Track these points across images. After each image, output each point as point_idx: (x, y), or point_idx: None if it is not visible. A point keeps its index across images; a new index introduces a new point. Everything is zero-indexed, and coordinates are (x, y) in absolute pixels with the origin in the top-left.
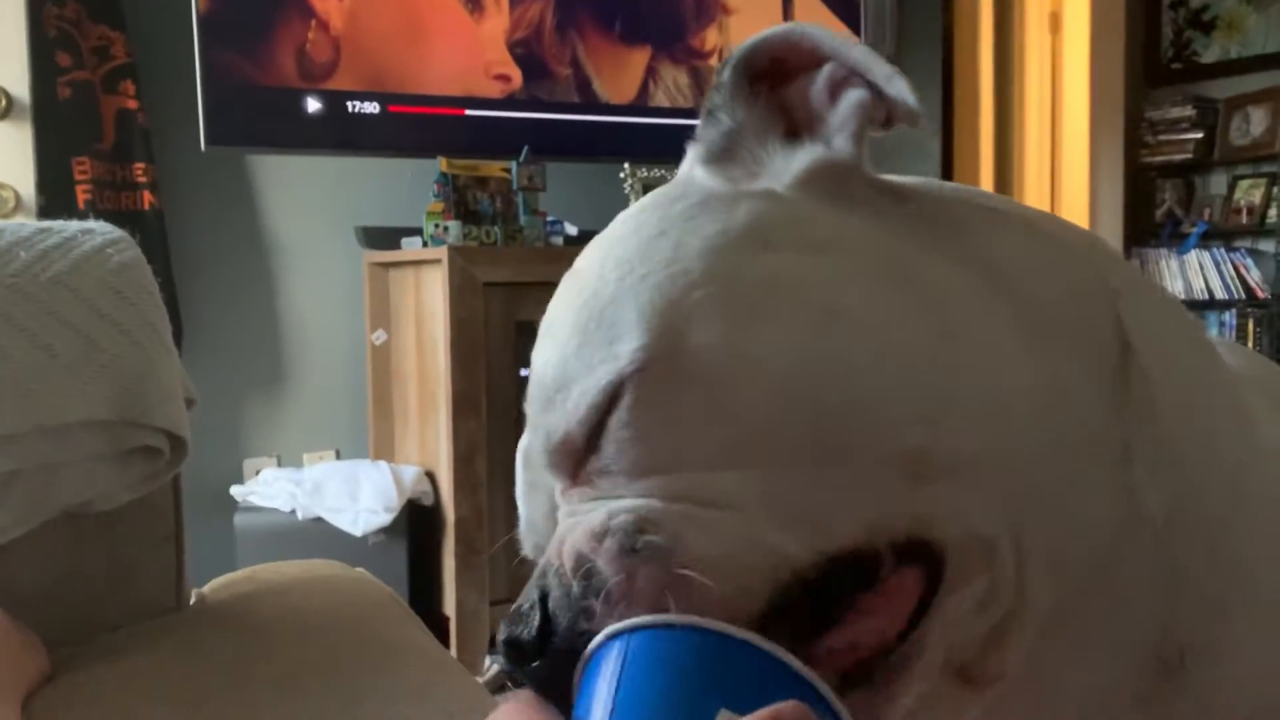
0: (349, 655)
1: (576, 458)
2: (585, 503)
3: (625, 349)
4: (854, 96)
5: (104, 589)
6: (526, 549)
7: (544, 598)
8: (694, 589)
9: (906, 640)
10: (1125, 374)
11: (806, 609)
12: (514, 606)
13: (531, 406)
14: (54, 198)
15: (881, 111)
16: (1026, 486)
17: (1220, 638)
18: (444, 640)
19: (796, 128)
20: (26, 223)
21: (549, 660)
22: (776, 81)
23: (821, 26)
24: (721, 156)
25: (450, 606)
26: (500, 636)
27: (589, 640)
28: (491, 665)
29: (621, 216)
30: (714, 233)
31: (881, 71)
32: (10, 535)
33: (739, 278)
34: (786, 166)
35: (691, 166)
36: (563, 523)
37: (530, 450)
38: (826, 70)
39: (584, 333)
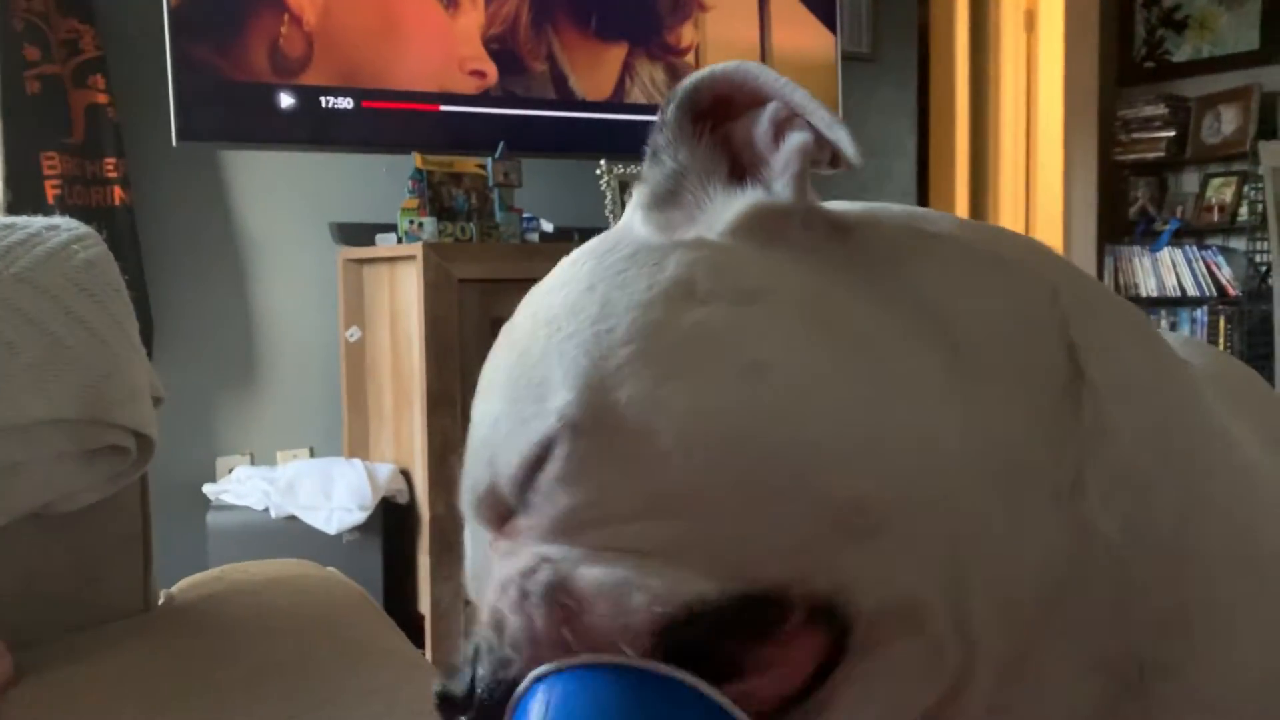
0: (318, 656)
1: (501, 511)
2: (509, 556)
3: (553, 406)
4: (796, 140)
5: (70, 590)
6: (472, 594)
7: (477, 652)
8: (584, 622)
9: (807, 700)
10: (1076, 394)
11: (705, 653)
12: (452, 661)
13: (467, 459)
14: (22, 193)
15: (825, 153)
16: (967, 534)
17: (1180, 650)
18: (419, 639)
19: (741, 168)
20: None
21: (476, 712)
22: (720, 120)
23: (765, 66)
24: (665, 199)
25: (425, 605)
26: (433, 690)
27: (513, 688)
28: None
29: (557, 267)
30: (641, 288)
31: (823, 118)
32: None
33: (664, 333)
34: (724, 211)
35: (634, 210)
36: (493, 576)
37: (463, 501)
38: (770, 109)
39: (514, 390)
